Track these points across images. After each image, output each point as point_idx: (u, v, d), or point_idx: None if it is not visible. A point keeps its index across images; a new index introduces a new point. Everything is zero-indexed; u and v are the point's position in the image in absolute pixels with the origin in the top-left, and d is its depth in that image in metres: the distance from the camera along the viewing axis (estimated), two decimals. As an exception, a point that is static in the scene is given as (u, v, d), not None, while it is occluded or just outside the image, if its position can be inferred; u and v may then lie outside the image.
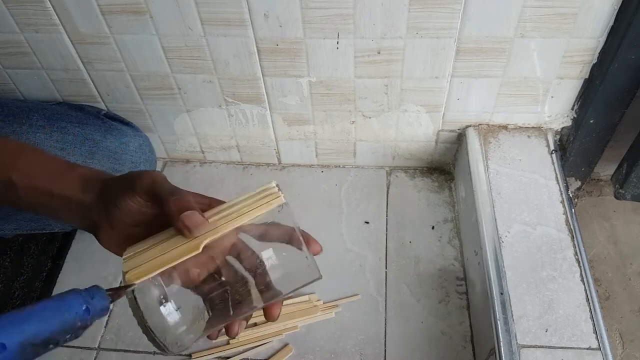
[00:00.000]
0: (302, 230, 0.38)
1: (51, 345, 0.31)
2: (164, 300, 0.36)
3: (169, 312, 0.36)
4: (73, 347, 0.74)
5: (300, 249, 0.38)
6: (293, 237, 0.39)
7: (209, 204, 0.41)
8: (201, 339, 0.39)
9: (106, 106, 0.83)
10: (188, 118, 0.84)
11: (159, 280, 0.36)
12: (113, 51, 0.73)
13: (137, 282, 0.35)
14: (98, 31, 0.70)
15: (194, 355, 0.71)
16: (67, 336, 0.32)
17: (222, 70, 0.74)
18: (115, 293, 0.35)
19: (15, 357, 0.28)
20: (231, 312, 0.38)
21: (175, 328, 0.36)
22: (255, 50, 0.70)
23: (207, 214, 0.39)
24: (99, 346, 0.74)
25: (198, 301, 0.38)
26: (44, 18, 0.69)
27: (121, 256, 0.40)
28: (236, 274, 0.39)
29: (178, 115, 0.84)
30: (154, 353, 0.72)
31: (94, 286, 0.36)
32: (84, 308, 0.34)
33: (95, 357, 0.73)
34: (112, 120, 0.80)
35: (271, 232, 0.39)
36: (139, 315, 0.35)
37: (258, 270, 0.38)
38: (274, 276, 0.38)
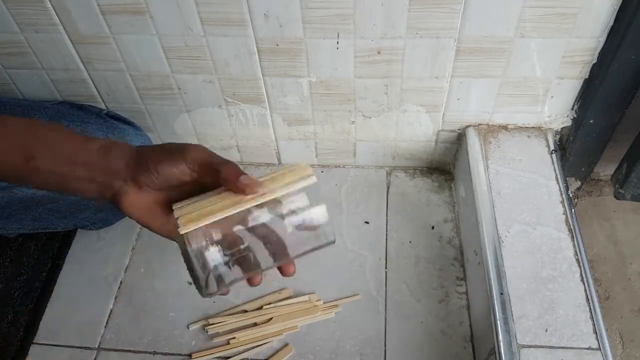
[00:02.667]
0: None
1: None
2: (210, 246, 0.40)
3: (214, 256, 0.40)
4: (73, 347, 0.74)
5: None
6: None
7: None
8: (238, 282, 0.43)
9: (106, 106, 0.83)
10: (188, 118, 0.84)
11: (208, 231, 0.40)
12: (113, 51, 0.73)
13: (191, 227, 0.39)
14: (98, 31, 0.70)
15: (194, 355, 0.71)
16: None
17: (222, 70, 0.74)
18: None
19: None
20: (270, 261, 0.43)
21: (220, 271, 0.40)
22: (256, 50, 0.70)
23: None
24: (99, 346, 0.74)
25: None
26: (44, 18, 0.69)
27: (141, 221, 0.44)
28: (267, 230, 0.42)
29: (178, 115, 0.84)
30: (154, 353, 0.72)
31: None
32: None
33: (95, 357, 0.73)
34: (113, 120, 0.80)
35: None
36: (187, 259, 0.39)
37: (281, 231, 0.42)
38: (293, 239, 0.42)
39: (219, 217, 0.39)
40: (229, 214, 0.40)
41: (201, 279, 0.40)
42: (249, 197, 0.40)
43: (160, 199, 0.43)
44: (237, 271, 0.41)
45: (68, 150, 0.42)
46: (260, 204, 0.41)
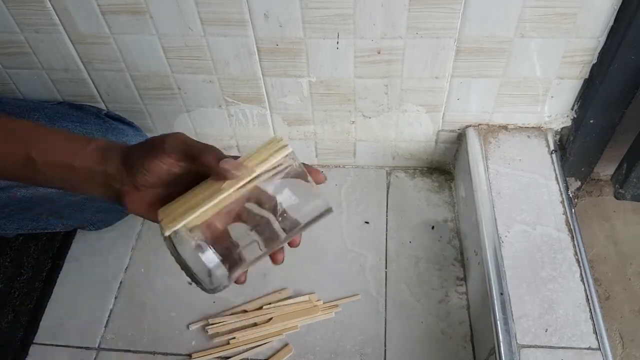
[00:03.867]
0: (305, 165, 0.41)
1: None
2: (201, 246, 0.39)
3: (208, 257, 0.39)
4: (73, 347, 0.74)
5: (307, 181, 0.41)
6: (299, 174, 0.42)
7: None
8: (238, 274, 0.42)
9: (106, 106, 0.83)
10: (188, 118, 0.84)
11: (195, 230, 0.39)
12: (113, 51, 0.73)
13: (173, 227, 0.38)
14: (98, 31, 0.70)
15: (194, 355, 0.71)
16: None
17: (222, 70, 0.74)
18: None
19: None
20: (262, 250, 0.41)
21: (215, 269, 0.39)
22: (255, 50, 0.70)
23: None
24: (99, 346, 0.74)
25: (231, 244, 0.41)
26: (44, 18, 0.69)
27: (148, 218, 0.43)
28: (258, 216, 0.41)
29: (178, 115, 0.84)
30: (154, 353, 0.72)
31: None
32: None
33: (95, 357, 0.73)
34: (112, 120, 0.80)
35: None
36: (179, 259, 0.38)
37: (276, 210, 0.41)
38: (291, 213, 0.41)
39: (201, 210, 0.38)
40: (211, 204, 0.39)
41: (203, 282, 0.39)
42: (230, 182, 0.39)
43: (161, 194, 0.43)
44: (243, 263, 0.41)
45: (65, 153, 0.43)
46: (243, 185, 0.39)
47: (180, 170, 0.42)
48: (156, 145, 0.41)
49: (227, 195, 0.39)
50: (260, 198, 0.41)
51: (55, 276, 0.81)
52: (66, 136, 0.44)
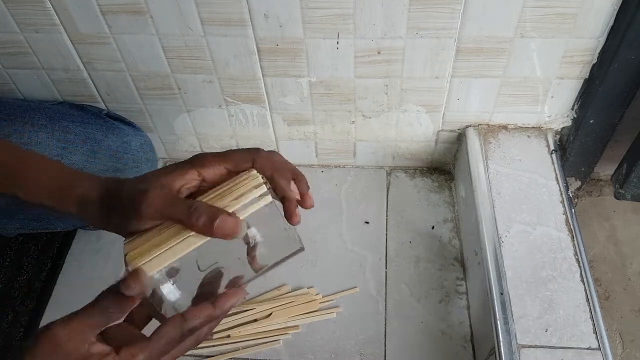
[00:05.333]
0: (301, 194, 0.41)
1: None
2: (163, 280, 0.37)
3: (169, 290, 0.38)
4: (73, 347, 0.74)
5: (282, 221, 0.40)
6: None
7: (227, 171, 0.41)
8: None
9: (106, 106, 0.83)
10: (188, 118, 0.84)
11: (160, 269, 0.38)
12: (113, 51, 0.73)
13: (134, 265, 0.37)
14: (98, 31, 0.70)
15: (193, 353, 0.71)
16: None
17: (222, 70, 0.74)
18: None
19: None
20: (222, 285, 0.40)
21: (175, 303, 0.38)
22: (255, 50, 0.70)
23: (201, 198, 0.39)
24: (99, 346, 0.74)
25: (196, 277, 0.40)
26: (44, 18, 0.69)
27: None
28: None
29: (178, 115, 0.84)
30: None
31: None
32: None
33: (95, 357, 0.73)
34: (113, 120, 0.80)
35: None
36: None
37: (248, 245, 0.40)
38: (259, 251, 0.40)
39: (166, 249, 0.37)
40: (177, 243, 0.37)
41: (160, 312, 0.38)
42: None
43: None
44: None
45: (50, 199, 0.41)
46: None
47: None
48: (134, 206, 0.38)
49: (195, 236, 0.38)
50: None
51: (55, 276, 0.81)
52: (52, 175, 0.42)
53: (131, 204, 0.38)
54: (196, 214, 0.37)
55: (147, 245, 0.37)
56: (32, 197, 0.41)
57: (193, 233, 0.37)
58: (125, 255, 0.37)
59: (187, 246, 0.37)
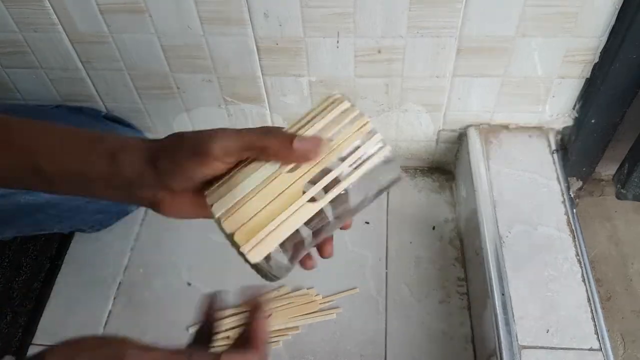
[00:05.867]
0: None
1: None
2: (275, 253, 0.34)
3: (278, 256, 0.34)
4: (72, 347, 0.73)
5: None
6: None
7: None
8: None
9: (105, 106, 0.83)
10: (187, 117, 0.84)
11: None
12: (112, 50, 0.72)
13: (256, 255, 0.33)
14: (97, 30, 0.69)
15: (193, 356, 0.71)
16: None
17: (222, 69, 0.74)
18: None
19: None
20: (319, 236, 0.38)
21: (282, 264, 0.35)
22: (255, 49, 0.70)
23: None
24: (97, 347, 0.73)
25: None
26: (42, 17, 0.68)
27: (193, 218, 0.37)
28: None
29: (177, 114, 0.83)
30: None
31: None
32: None
33: (94, 358, 0.72)
34: (111, 122, 0.80)
35: None
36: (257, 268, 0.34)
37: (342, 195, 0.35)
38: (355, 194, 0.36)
39: (287, 231, 0.33)
40: (294, 217, 0.33)
41: (271, 276, 0.35)
42: (304, 167, 0.33)
43: (202, 191, 0.37)
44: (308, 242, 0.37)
45: (74, 160, 0.37)
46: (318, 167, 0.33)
47: (229, 167, 0.35)
48: (201, 150, 0.34)
49: (295, 186, 0.33)
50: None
51: (53, 277, 0.81)
52: (73, 137, 0.39)
53: (200, 144, 0.34)
54: (272, 135, 0.33)
55: (253, 220, 0.33)
56: (57, 165, 0.37)
57: (295, 182, 0.33)
58: (221, 222, 0.33)
59: (299, 218, 0.33)
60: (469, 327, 0.72)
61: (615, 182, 0.75)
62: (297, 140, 0.33)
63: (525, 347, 0.58)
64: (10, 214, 0.70)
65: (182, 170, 0.34)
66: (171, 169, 0.35)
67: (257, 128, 0.35)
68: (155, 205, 0.37)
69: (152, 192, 0.36)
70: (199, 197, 0.35)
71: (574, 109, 0.75)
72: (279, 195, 0.33)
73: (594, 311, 0.60)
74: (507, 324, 0.60)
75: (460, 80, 0.72)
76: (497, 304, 0.61)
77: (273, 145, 0.33)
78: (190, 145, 0.34)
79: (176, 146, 0.35)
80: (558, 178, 0.73)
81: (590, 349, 0.57)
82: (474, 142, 0.77)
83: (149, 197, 0.37)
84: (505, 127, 0.79)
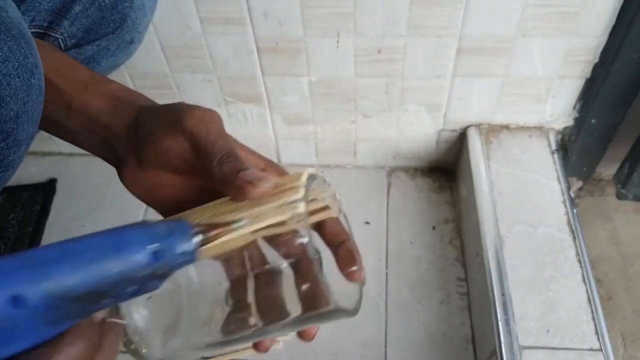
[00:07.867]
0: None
1: (106, 300, 0.22)
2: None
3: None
4: (71, 348, 0.73)
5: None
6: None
7: (263, 167, 0.35)
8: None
9: (105, 106, 0.83)
10: (187, 118, 0.84)
11: None
12: (112, 50, 0.72)
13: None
14: (97, 30, 0.69)
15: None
16: (129, 288, 0.23)
17: (222, 69, 0.74)
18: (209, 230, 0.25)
19: (42, 315, 0.21)
20: (253, 321, 0.30)
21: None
22: (255, 49, 0.70)
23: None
24: (97, 347, 0.73)
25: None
26: (42, 17, 0.68)
27: (145, 201, 0.34)
28: (264, 263, 0.30)
29: (177, 114, 0.83)
30: (153, 354, 0.72)
31: (173, 219, 0.27)
32: (150, 250, 0.23)
33: (94, 358, 0.72)
34: None
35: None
36: None
37: (300, 259, 0.28)
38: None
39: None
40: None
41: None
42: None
43: (166, 181, 0.33)
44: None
45: (66, 85, 0.34)
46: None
47: (195, 161, 0.31)
48: (177, 117, 0.31)
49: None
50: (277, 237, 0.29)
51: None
52: (78, 66, 0.36)
53: (179, 111, 0.32)
54: (226, 160, 0.30)
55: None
56: (85, 106, 0.34)
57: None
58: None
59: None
60: (469, 327, 0.72)
61: (615, 182, 0.75)
62: (243, 172, 0.29)
63: (525, 348, 0.58)
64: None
65: (153, 132, 0.32)
66: (146, 133, 0.32)
67: (235, 148, 0.32)
68: (119, 167, 0.34)
69: (123, 151, 0.34)
70: (159, 187, 0.33)
71: (574, 108, 0.75)
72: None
73: (594, 311, 0.60)
74: (508, 324, 0.59)
75: (460, 80, 0.72)
76: (497, 305, 0.61)
77: (218, 169, 0.29)
78: (175, 110, 0.32)
79: (160, 111, 0.33)
80: (558, 178, 0.72)
81: (591, 349, 0.57)
82: (475, 142, 0.77)
83: (120, 155, 0.34)
84: (506, 127, 0.79)
